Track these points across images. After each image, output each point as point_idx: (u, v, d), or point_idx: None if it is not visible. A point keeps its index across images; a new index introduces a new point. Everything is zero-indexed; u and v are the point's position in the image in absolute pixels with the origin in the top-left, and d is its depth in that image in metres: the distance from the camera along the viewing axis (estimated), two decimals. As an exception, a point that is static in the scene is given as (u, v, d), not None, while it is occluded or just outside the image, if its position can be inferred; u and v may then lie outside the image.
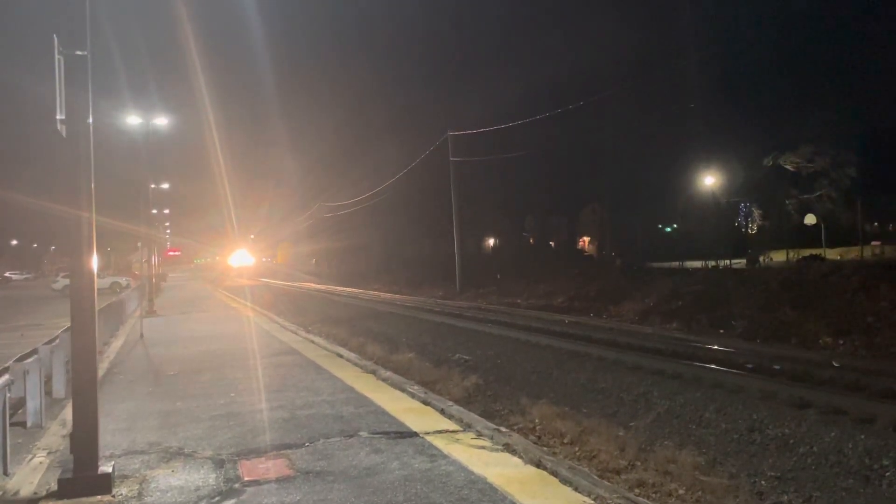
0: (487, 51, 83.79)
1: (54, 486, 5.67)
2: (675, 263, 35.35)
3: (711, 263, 32.74)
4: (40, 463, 6.76)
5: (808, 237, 37.90)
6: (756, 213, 49.07)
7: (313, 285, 55.96)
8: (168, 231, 77.44)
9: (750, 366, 13.29)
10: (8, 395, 6.57)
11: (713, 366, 13.26)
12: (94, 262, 5.74)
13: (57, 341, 10.39)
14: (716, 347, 15.86)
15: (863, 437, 8.57)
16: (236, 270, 52.94)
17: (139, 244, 38.69)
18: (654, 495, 6.48)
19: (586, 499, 5.20)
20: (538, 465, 6.01)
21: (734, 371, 12.70)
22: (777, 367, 13.09)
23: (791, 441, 8.78)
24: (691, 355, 14.80)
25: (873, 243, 35.45)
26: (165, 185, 50.48)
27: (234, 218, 53.25)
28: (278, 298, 39.33)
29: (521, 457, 6.27)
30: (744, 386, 11.42)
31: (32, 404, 8.23)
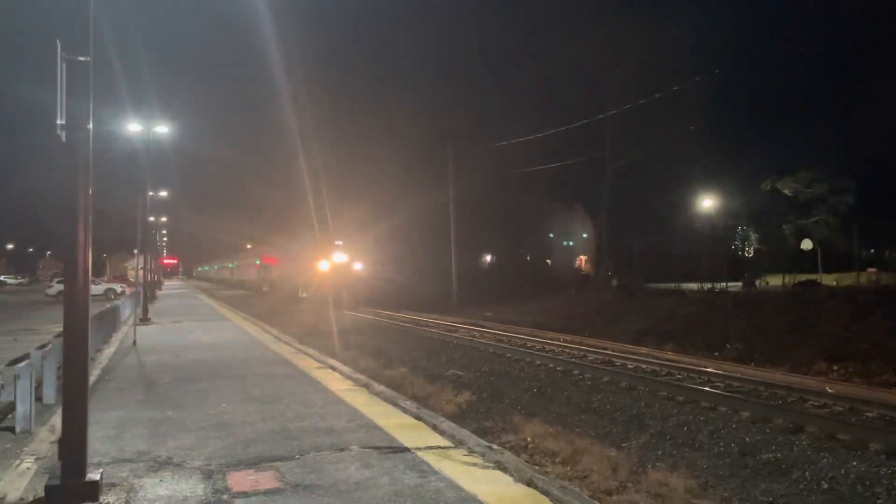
0: (489, 66, 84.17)
1: (41, 493, 5.62)
2: (672, 285, 35.35)
3: (707, 286, 32.73)
4: (28, 469, 6.71)
5: (805, 262, 37.93)
6: (753, 236, 49.18)
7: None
8: (165, 239, 77.51)
9: (744, 389, 13.27)
10: (-3, 399, 6.53)
11: (707, 388, 13.24)
12: (89, 269, 5.73)
13: (49, 347, 10.34)
14: (710, 370, 15.83)
15: (855, 463, 8.56)
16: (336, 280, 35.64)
17: (135, 250, 38.49)
18: (645, 517, 6.44)
19: (577, 519, 5.16)
20: (529, 483, 5.97)
21: (728, 394, 12.67)
22: (771, 391, 13.07)
23: (784, 466, 8.75)
24: (686, 377, 14.79)
25: (869, 270, 35.40)
26: (164, 193, 50.42)
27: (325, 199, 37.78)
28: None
29: (512, 475, 6.23)
30: (737, 409, 11.40)
31: (22, 409, 8.19)
